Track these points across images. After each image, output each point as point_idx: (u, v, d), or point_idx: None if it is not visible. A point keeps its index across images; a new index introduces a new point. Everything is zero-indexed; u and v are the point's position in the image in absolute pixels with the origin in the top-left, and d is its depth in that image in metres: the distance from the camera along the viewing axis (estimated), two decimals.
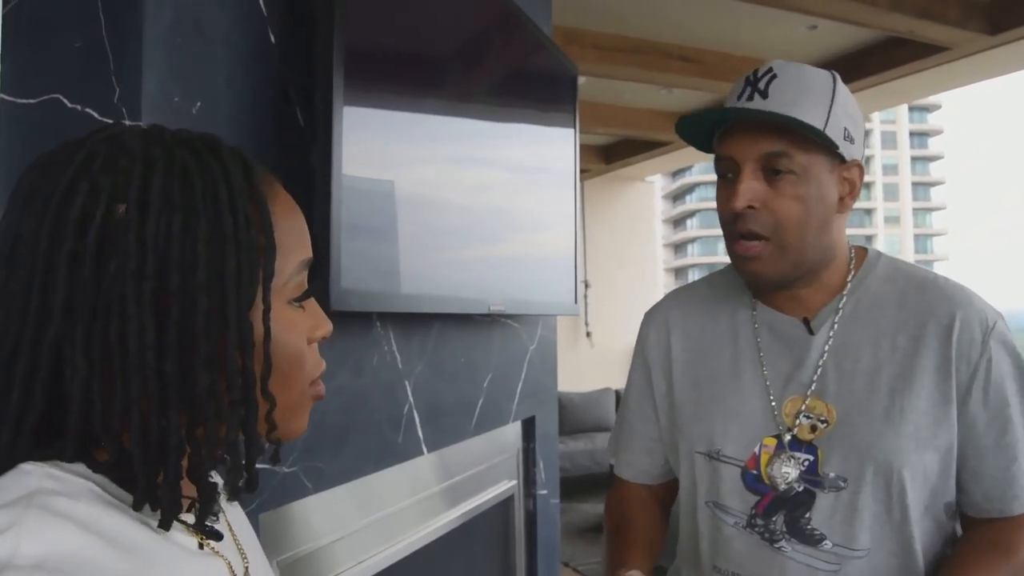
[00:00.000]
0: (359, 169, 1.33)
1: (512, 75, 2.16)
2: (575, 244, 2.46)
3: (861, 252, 1.19)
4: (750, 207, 1.07)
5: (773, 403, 1.13)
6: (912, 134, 73.69)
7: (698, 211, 68.44)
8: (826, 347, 1.12)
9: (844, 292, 1.14)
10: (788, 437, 1.11)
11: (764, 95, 1.05)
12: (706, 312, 1.25)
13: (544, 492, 2.47)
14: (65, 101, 1.05)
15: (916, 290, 1.12)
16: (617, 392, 7.39)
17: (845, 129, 1.07)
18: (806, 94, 1.05)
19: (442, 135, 1.73)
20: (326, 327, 0.67)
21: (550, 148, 2.40)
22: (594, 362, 7.74)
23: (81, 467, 0.54)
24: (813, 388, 1.11)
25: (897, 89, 4.74)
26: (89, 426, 0.54)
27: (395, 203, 1.51)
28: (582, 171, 7.04)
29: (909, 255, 69.05)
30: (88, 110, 1.04)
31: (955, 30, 3.79)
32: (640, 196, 8.45)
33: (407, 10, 1.55)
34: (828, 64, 4.42)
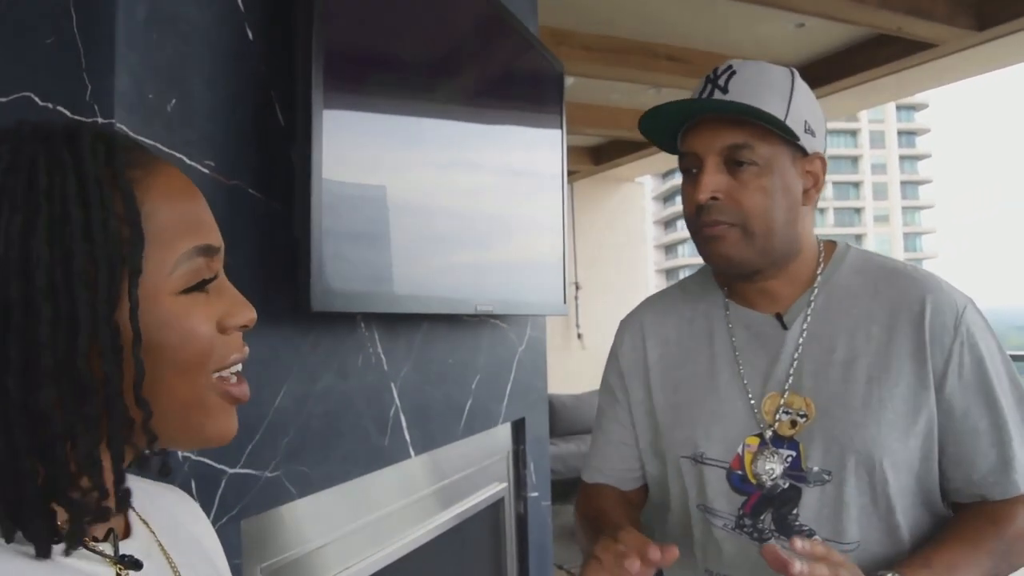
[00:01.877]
0: (340, 171, 1.31)
1: (497, 75, 2.14)
2: (563, 244, 2.45)
3: (830, 245, 1.19)
4: (713, 198, 1.07)
5: (752, 401, 1.13)
6: (900, 133, 74.00)
7: None
8: (800, 341, 1.12)
9: (815, 285, 1.14)
10: (769, 434, 1.10)
11: (724, 91, 1.06)
12: (680, 316, 1.25)
13: (535, 494, 2.45)
14: (36, 99, 1.03)
15: (886, 279, 1.13)
16: None
17: (805, 122, 1.08)
18: (765, 88, 1.06)
19: (426, 136, 1.71)
20: (243, 315, 0.62)
21: (537, 148, 2.38)
22: (585, 364, 7.71)
23: None
24: (790, 383, 1.11)
25: (885, 87, 4.75)
26: None
27: (379, 204, 1.49)
28: (572, 172, 7.04)
29: (899, 254, 69.35)
30: (59, 108, 1.02)
31: (943, 27, 3.79)
32: (630, 197, 8.44)
33: (388, 9, 1.53)
34: (816, 62, 4.43)
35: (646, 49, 4.38)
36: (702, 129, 1.09)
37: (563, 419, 6.81)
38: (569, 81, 3.72)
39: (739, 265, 1.11)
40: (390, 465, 1.61)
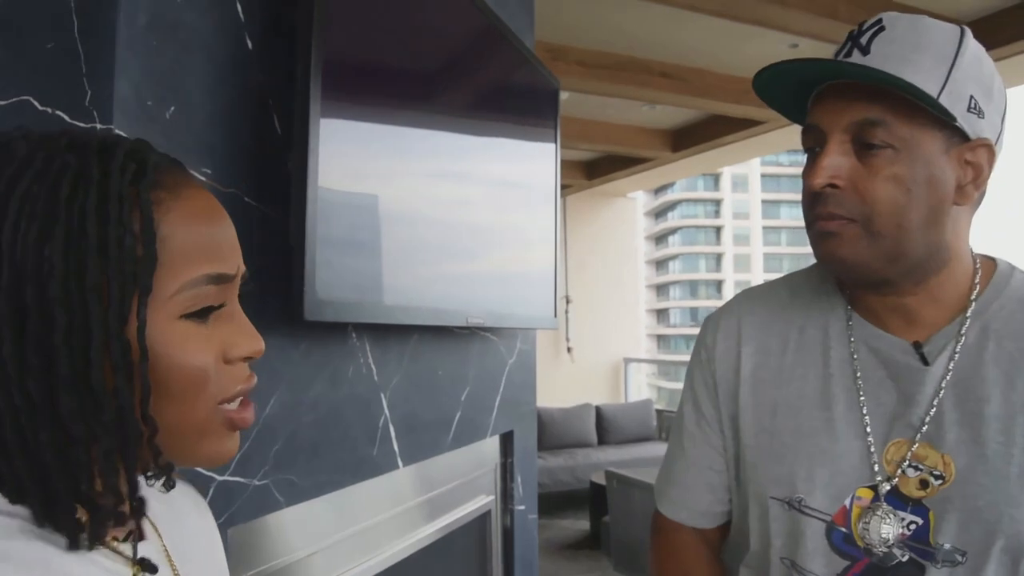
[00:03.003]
0: (336, 180, 1.32)
1: (493, 89, 2.16)
2: (555, 258, 2.46)
3: (989, 263, 0.95)
4: (832, 185, 0.86)
5: (872, 444, 0.91)
6: None
7: (680, 228, 68.81)
8: (943, 382, 0.89)
9: (967, 313, 0.91)
10: (886, 488, 0.89)
11: (865, 51, 0.86)
12: (789, 321, 1.01)
13: (522, 508, 2.45)
14: (35, 103, 1.03)
15: None
16: (598, 408, 7.39)
17: (971, 98, 0.85)
18: (919, 51, 0.84)
19: (422, 148, 1.72)
20: (248, 346, 0.61)
21: (531, 162, 2.39)
22: (575, 378, 7.74)
23: (3, 503, 0.52)
24: (924, 432, 0.89)
25: None
26: None
27: (373, 215, 1.50)
28: (564, 186, 7.08)
29: None
30: (59, 113, 1.02)
31: None
32: (622, 212, 8.50)
33: (387, 22, 1.55)
34: None
35: (641, 66, 4.42)
36: (830, 99, 0.88)
37: (551, 432, 6.81)
38: (564, 96, 3.75)
39: (857, 270, 0.89)
40: (378, 475, 1.61)
